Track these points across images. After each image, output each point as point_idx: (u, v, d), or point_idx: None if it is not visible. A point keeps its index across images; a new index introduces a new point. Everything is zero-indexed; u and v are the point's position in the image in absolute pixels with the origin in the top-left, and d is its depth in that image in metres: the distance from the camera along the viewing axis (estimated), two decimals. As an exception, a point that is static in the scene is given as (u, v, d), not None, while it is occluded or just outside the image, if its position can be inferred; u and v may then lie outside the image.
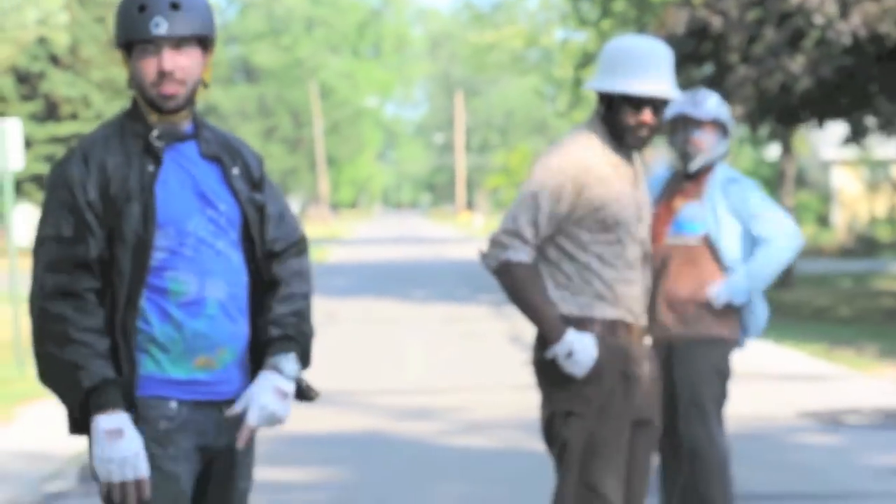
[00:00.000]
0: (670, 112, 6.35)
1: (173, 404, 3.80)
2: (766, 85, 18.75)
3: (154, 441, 3.79)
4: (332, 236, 69.71)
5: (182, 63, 3.86)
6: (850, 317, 20.75)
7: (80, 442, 3.98)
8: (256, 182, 4.02)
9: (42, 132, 45.19)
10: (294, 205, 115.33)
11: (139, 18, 3.82)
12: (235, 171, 3.97)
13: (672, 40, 18.95)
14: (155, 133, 3.87)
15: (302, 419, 9.60)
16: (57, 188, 3.86)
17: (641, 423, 5.10)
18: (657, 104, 5.03)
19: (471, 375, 14.33)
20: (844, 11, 17.80)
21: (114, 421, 3.68)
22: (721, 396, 6.33)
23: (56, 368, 3.76)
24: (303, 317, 3.97)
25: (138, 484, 3.68)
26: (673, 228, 6.35)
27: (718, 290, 6.26)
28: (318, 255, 46.50)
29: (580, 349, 4.90)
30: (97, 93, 47.21)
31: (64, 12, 30.93)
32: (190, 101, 3.93)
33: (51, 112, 46.46)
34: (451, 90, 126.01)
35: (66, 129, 45.97)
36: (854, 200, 46.70)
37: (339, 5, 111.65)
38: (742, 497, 7.44)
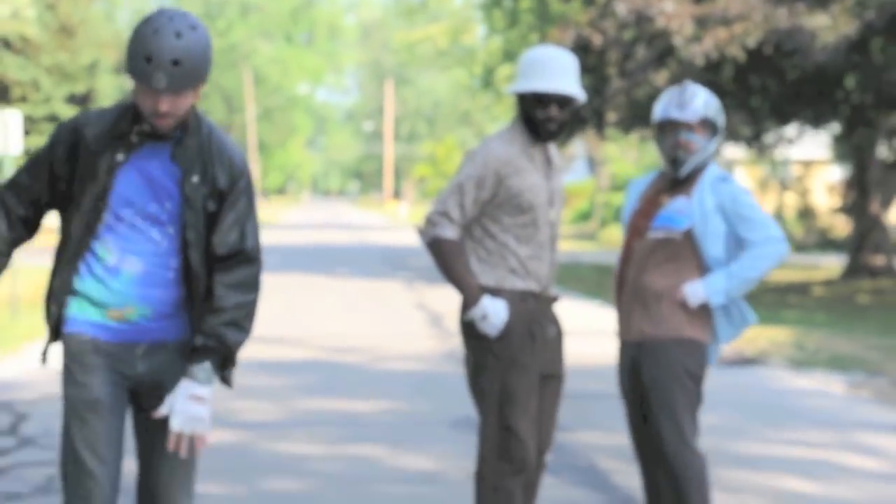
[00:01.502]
0: (657, 115, 6.15)
1: (86, 337, 4.57)
2: (636, 95, 22.05)
3: (71, 360, 4.59)
4: (263, 221, 71.97)
5: (177, 105, 4.43)
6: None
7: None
8: (221, 191, 4.58)
9: (-7, 113, 46.82)
10: None
11: (145, 68, 4.33)
12: (195, 178, 4.53)
13: (560, 54, 22.28)
14: (135, 130, 4.52)
15: (262, 351, 13.23)
16: (48, 139, 4.63)
17: (549, 376, 5.88)
18: (562, 101, 5.70)
19: (380, 328, 17.54)
20: (699, 36, 21.10)
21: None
22: (695, 400, 6.06)
23: None
24: (234, 324, 4.58)
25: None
26: (657, 222, 6.11)
27: (695, 288, 6.03)
28: (250, 236, 49.43)
29: (493, 313, 5.68)
30: (46, 77, 48.19)
31: (32, 7, 32.99)
32: (180, 122, 4.54)
33: (2, 94, 47.72)
34: (382, 79, 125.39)
35: (16, 110, 46.62)
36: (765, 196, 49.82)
37: None
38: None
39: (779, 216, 46.98)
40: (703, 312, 6.09)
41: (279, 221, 71.91)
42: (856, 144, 26.62)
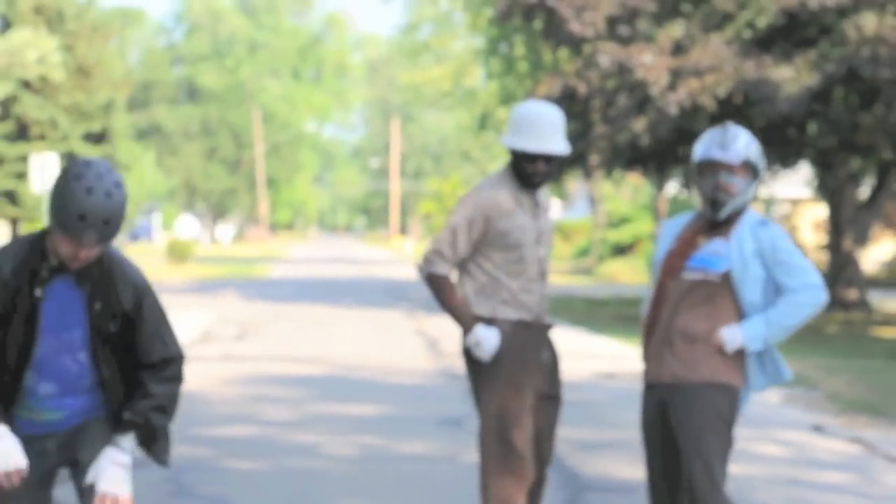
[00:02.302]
0: (697, 155, 6.03)
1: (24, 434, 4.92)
2: (617, 140, 24.07)
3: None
4: (272, 255, 74.40)
5: (94, 253, 4.75)
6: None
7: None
8: (125, 313, 4.89)
9: (14, 151, 48.27)
10: (232, 224, 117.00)
11: (77, 225, 4.60)
12: (97, 305, 4.84)
13: (548, 101, 24.41)
14: (46, 266, 4.80)
15: (280, 368, 15.40)
16: None
17: (547, 396, 6.42)
18: (548, 157, 6.29)
19: (382, 350, 19.51)
20: (673, 86, 23.13)
21: None
22: (727, 447, 5.92)
23: None
24: (160, 409, 4.93)
25: (17, 472, 4.77)
26: (693, 263, 5.98)
27: (733, 333, 5.92)
28: (261, 271, 51.54)
29: (484, 339, 6.27)
30: (64, 116, 49.78)
31: (59, 52, 34.86)
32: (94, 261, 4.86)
33: (21, 133, 49.26)
34: (388, 116, 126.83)
35: (35, 148, 47.92)
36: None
37: (282, 29, 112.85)
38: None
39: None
40: (737, 357, 5.97)
41: (288, 256, 73.86)
42: (829, 186, 28.67)
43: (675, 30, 23.96)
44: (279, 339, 21.01)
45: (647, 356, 6.07)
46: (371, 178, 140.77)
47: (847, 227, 29.11)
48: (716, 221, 5.99)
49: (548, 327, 6.47)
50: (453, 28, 47.72)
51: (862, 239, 29.92)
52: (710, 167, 5.94)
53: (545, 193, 6.55)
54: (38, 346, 4.76)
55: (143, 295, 4.88)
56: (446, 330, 21.85)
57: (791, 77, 22.41)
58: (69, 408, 4.88)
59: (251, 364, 17.15)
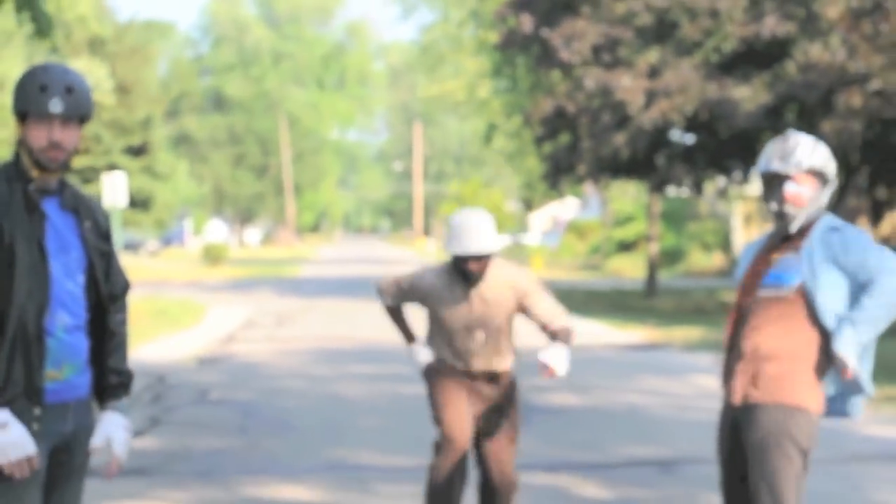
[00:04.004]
0: (760, 168, 5.73)
1: (37, 410, 4.49)
2: (601, 153, 27.97)
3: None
4: (300, 257, 78.44)
5: (68, 136, 4.51)
6: (667, 311, 29.96)
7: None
8: (104, 234, 4.74)
9: (60, 165, 51.89)
10: (260, 228, 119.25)
11: (40, 96, 4.45)
12: (87, 224, 4.67)
13: (543, 119, 28.35)
14: (32, 187, 4.54)
15: (313, 344, 19.15)
16: None
17: (493, 425, 7.28)
18: (476, 256, 6.95)
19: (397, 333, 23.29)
20: (648, 105, 26.96)
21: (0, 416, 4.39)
22: (799, 472, 5.56)
23: None
24: (125, 358, 4.82)
25: (30, 460, 4.41)
26: (766, 280, 5.68)
27: (845, 352, 5.44)
28: (291, 271, 55.33)
29: (417, 354, 7.41)
30: (106, 131, 53.63)
31: (109, 79, 38.65)
32: (67, 164, 4.57)
33: None
34: (410, 120, 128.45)
35: (80, 162, 52.20)
36: (745, 231, 55.45)
37: (305, 39, 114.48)
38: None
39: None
40: (815, 380, 5.61)
41: (315, 257, 77.45)
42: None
43: (652, 56, 27.76)
44: (312, 325, 24.96)
45: (725, 376, 5.78)
46: (395, 180, 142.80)
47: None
48: (789, 235, 5.71)
49: (493, 375, 7.27)
50: (464, 45, 51.40)
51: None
52: (775, 179, 5.69)
53: (490, 286, 7.13)
54: (52, 271, 4.50)
55: (109, 219, 4.81)
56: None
57: (749, 96, 26.18)
58: (81, 354, 4.59)
59: (291, 343, 21.03)
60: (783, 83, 26.17)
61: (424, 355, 7.30)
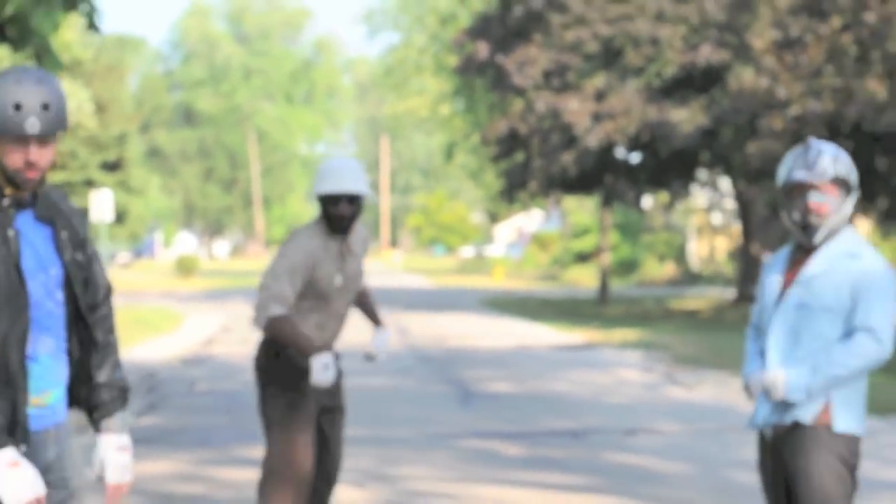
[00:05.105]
0: (781, 178, 5.46)
1: (22, 448, 4.16)
2: (551, 171, 30.27)
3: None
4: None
5: (44, 155, 4.14)
6: (615, 316, 32.18)
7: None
8: (81, 241, 4.38)
9: (38, 180, 53.37)
10: (228, 241, 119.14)
11: (15, 116, 4.06)
12: (64, 234, 4.31)
13: (498, 139, 30.65)
14: (6, 202, 4.18)
15: None
16: None
17: (329, 409, 6.98)
18: (349, 198, 6.59)
19: (365, 337, 25.47)
20: (594, 127, 29.26)
21: (8, 455, 4.08)
22: (850, 491, 5.34)
23: None
24: (119, 365, 4.47)
25: (38, 501, 4.09)
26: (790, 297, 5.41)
27: (775, 379, 5.38)
28: (261, 281, 57.17)
29: (326, 369, 6.52)
30: (82, 147, 55.22)
31: (90, 102, 40.27)
32: (43, 181, 4.22)
33: None
34: (378, 133, 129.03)
35: (57, 177, 52.49)
36: (698, 241, 57.97)
37: (274, 55, 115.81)
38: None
39: (711, 258, 55.25)
40: (854, 396, 5.41)
41: (284, 269, 79.31)
42: (738, 200, 34.80)
43: (598, 80, 30.06)
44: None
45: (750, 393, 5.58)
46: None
47: (756, 234, 35.20)
48: (811, 248, 5.47)
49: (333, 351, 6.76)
50: (426, 67, 53.61)
51: (770, 244, 36.05)
52: (798, 190, 5.45)
53: (360, 239, 6.91)
54: (31, 293, 4.18)
55: (85, 221, 4.54)
56: (415, 323, 27.94)
57: (687, 118, 28.50)
58: (65, 379, 4.33)
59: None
60: (718, 107, 28.50)
61: (330, 374, 6.53)
